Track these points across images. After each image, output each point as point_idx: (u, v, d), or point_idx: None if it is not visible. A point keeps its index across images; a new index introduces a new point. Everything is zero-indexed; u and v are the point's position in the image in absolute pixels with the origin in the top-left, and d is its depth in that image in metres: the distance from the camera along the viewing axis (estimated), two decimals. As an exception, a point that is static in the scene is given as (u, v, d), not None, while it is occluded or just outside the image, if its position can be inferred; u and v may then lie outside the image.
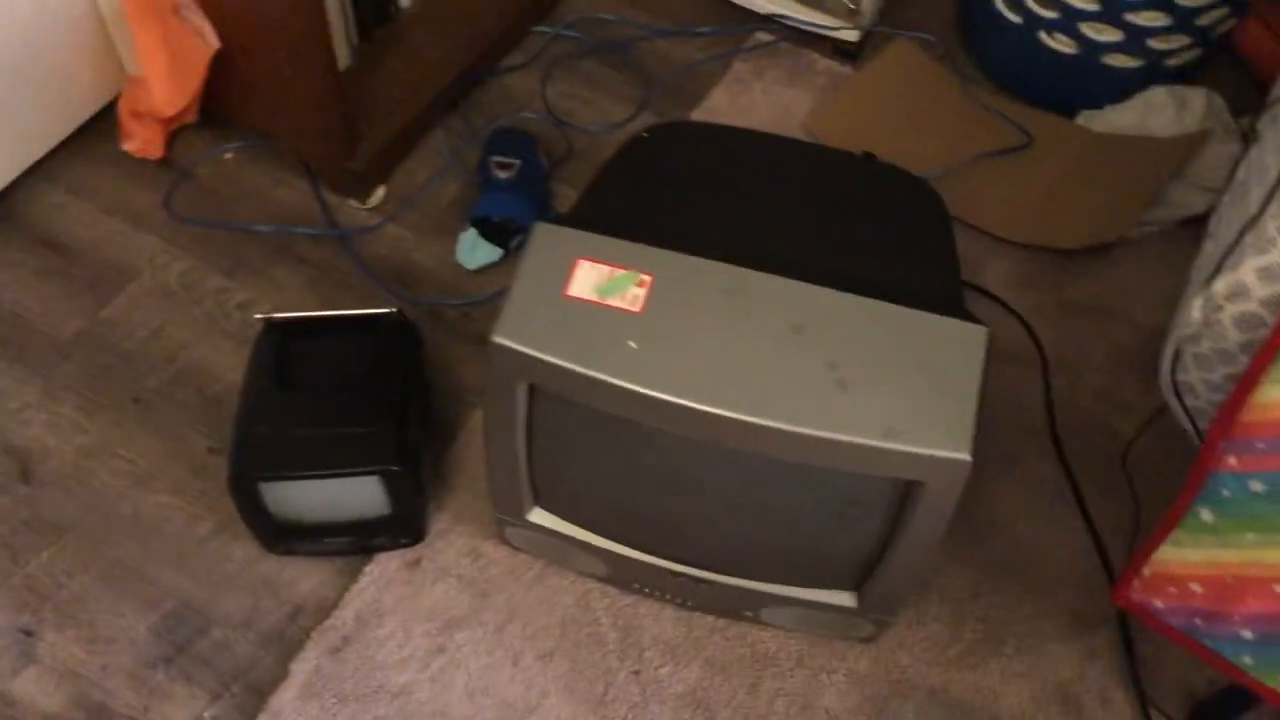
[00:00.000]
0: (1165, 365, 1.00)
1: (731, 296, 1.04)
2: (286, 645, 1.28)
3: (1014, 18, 1.73)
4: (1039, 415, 1.48)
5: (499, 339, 1.01)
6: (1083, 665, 1.30)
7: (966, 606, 1.34)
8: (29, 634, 1.27)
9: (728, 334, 1.02)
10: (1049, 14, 1.67)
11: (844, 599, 1.21)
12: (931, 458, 0.97)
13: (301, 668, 1.26)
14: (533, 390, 1.07)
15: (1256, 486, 0.85)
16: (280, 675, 1.26)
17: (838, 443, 0.97)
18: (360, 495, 1.24)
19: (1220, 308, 0.90)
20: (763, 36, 1.87)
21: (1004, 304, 1.57)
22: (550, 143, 1.68)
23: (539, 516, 1.24)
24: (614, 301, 1.03)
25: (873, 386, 0.99)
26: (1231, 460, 0.86)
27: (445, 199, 1.63)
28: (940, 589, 1.34)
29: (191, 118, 1.58)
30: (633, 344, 1.01)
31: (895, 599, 1.21)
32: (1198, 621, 0.99)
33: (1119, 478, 1.41)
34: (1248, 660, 0.98)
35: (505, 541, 1.32)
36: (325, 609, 1.30)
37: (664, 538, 1.21)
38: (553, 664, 1.28)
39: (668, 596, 1.29)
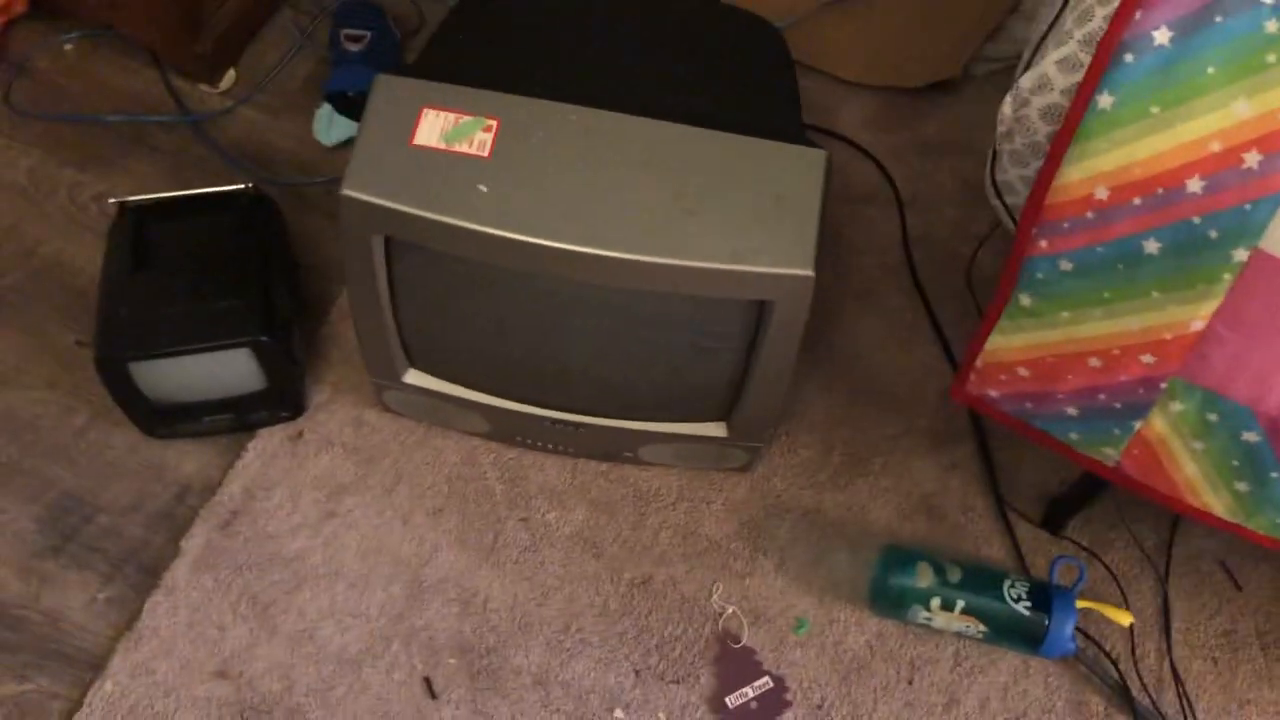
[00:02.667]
0: (987, 168, 1.05)
1: (578, 136, 1.06)
2: (176, 525, 1.30)
3: None
4: (897, 252, 1.54)
5: (347, 192, 1.02)
6: (945, 477, 1.39)
7: (834, 433, 1.41)
8: (-91, 537, 1.27)
9: (576, 172, 1.04)
10: None
11: (714, 429, 1.27)
12: (776, 275, 1.02)
13: (193, 544, 1.28)
14: (389, 244, 1.08)
15: (1065, 265, 0.91)
16: (172, 554, 1.28)
17: (687, 269, 1.01)
18: (233, 370, 1.25)
19: (1027, 101, 0.94)
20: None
21: (858, 146, 1.61)
22: (403, 15, 1.66)
23: (413, 377, 1.26)
24: (462, 147, 1.04)
25: (718, 213, 1.03)
26: (1042, 244, 0.92)
27: (298, 77, 1.61)
28: (809, 419, 1.41)
29: (21, 8, 1.52)
30: (482, 187, 1.03)
31: (763, 425, 1.27)
32: (1028, 405, 1.06)
33: (970, 300, 1.49)
34: (1074, 436, 1.06)
35: (386, 408, 1.35)
36: (211, 487, 1.32)
37: (538, 386, 1.24)
38: (442, 519, 1.32)
39: (550, 445, 1.34)
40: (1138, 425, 0.98)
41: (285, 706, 1.21)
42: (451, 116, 1.05)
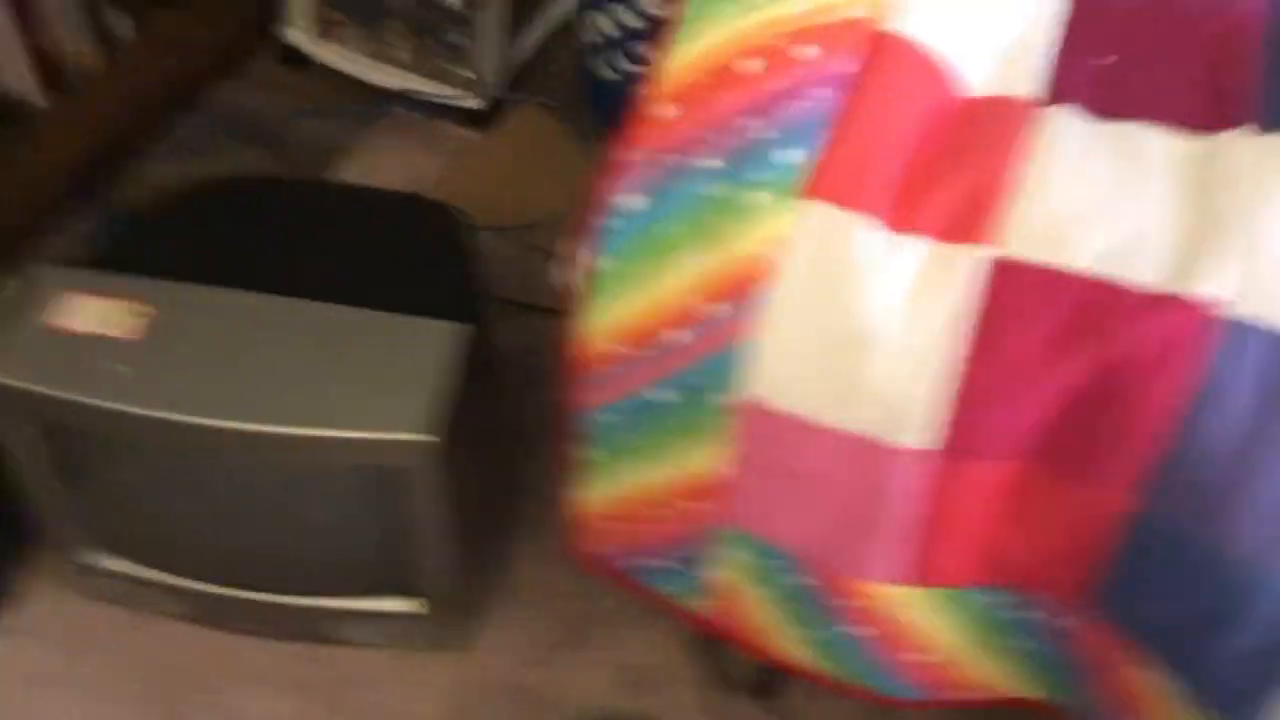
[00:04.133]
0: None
1: (230, 317, 1.11)
2: None
3: (613, 75, 1.89)
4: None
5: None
6: (664, 646, 1.38)
7: (551, 605, 1.40)
8: None
9: (220, 351, 1.09)
10: (638, 69, 1.83)
11: (407, 605, 1.27)
12: (397, 441, 1.05)
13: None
14: (42, 428, 1.12)
15: (606, 418, 0.95)
16: None
17: (306, 437, 1.05)
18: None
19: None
20: (399, 111, 1.99)
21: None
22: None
23: (92, 558, 1.27)
24: (110, 331, 1.09)
25: (346, 384, 1.07)
26: (583, 397, 0.95)
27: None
28: (526, 592, 1.41)
29: None
30: (121, 367, 1.07)
31: (458, 601, 1.27)
32: (631, 560, 1.07)
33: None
34: (668, 589, 1.06)
35: (86, 595, 1.35)
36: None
37: (217, 564, 1.25)
38: (149, 707, 1.30)
39: (251, 627, 1.33)
40: (707, 574, 1.00)
41: None
42: (100, 302, 1.10)
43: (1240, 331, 0.78)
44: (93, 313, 1.10)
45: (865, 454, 0.84)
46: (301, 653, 1.34)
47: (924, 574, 0.91)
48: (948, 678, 1.01)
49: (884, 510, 0.86)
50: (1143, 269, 0.80)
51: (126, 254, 1.22)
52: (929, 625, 0.95)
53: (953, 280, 0.81)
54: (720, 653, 1.37)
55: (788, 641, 1.03)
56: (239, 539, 1.21)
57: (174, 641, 1.34)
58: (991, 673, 1.00)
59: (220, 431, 1.05)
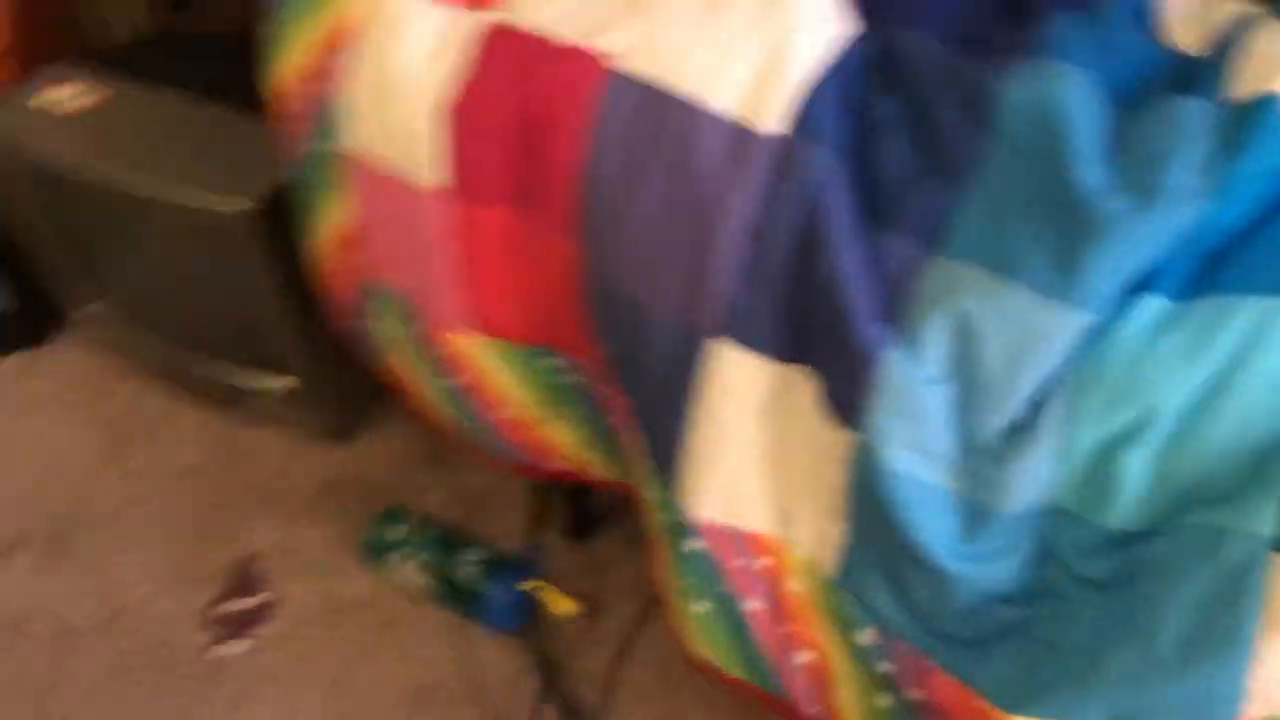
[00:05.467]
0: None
1: (148, 105, 1.42)
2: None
3: None
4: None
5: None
6: (504, 481, 1.53)
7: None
8: None
9: (127, 129, 1.39)
10: None
11: (279, 380, 1.51)
12: (223, 210, 1.29)
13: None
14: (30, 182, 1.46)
15: (299, 174, 1.11)
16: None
17: (166, 203, 1.32)
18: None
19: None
20: None
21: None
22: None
23: (87, 309, 1.61)
24: (66, 108, 1.42)
25: (199, 163, 1.34)
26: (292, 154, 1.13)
27: None
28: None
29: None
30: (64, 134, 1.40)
31: (321, 384, 1.50)
32: (350, 323, 1.22)
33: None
34: (365, 349, 1.23)
35: (89, 345, 1.70)
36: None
37: (161, 321, 1.56)
38: (95, 430, 1.63)
39: (188, 386, 1.63)
40: (376, 328, 1.15)
41: None
42: (69, 89, 1.44)
43: (620, 81, 0.85)
44: (65, 93, 1.44)
45: (406, 195, 0.96)
46: (220, 422, 1.63)
47: (483, 322, 1.02)
48: (534, 440, 1.10)
49: (434, 256, 0.98)
50: (569, 28, 0.88)
51: (126, 54, 1.56)
52: (503, 379, 1.06)
53: (459, 38, 0.92)
54: (543, 495, 1.51)
55: (427, 395, 1.16)
56: (166, 299, 1.51)
57: (131, 391, 1.67)
58: (566, 438, 1.08)
59: (110, 185, 1.34)
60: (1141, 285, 0.75)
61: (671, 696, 1.33)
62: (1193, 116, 0.75)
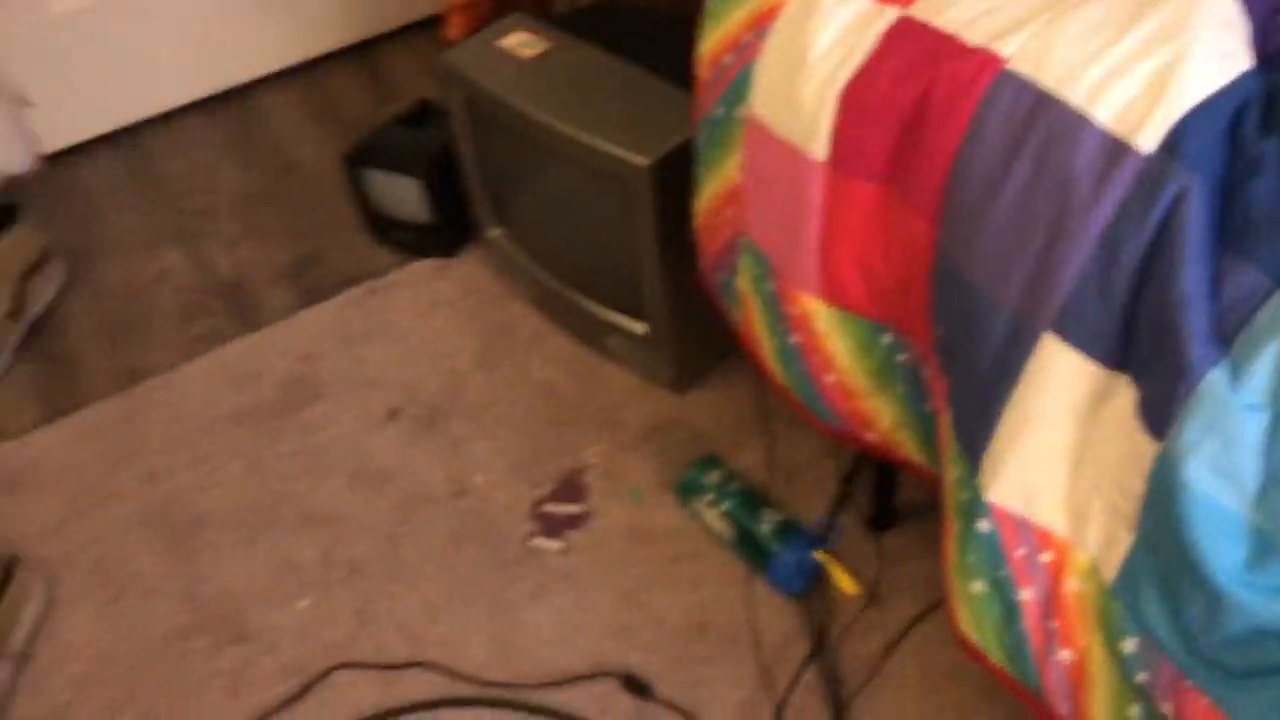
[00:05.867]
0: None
1: (585, 63, 1.62)
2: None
3: None
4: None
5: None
6: (823, 452, 1.61)
7: (755, 391, 1.70)
8: None
9: (565, 79, 1.59)
10: None
11: (634, 324, 1.67)
12: (625, 159, 1.46)
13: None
14: (471, 110, 1.70)
15: (699, 135, 1.23)
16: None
17: (585, 143, 1.50)
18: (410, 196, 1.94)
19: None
20: None
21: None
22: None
23: (490, 232, 1.85)
24: (520, 53, 1.64)
25: (622, 119, 1.51)
26: (695, 116, 1.24)
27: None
28: (743, 375, 1.73)
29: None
30: (512, 72, 1.62)
31: (669, 332, 1.64)
32: (715, 276, 1.33)
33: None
34: (727, 299, 1.32)
35: (487, 264, 1.94)
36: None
37: (544, 254, 1.76)
38: (477, 336, 1.87)
39: (559, 317, 1.83)
40: (738, 283, 1.25)
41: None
42: (524, 36, 1.66)
43: (1005, 80, 0.89)
44: (517, 40, 1.66)
45: (794, 160, 1.05)
46: (580, 350, 1.81)
47: (831, 290, 1.10)
48: (855, 409, 1.16)
49: (805, 221, 1.07)
50: (979, 31, 0.93)
51: (575, 19, 1.77)
52: (839, 345, 1.13)
53: (869, 26, 1.00)
54: (851, 481, 1.57)
55: (766, 352, 1.25)
56: (556, 235, 1.71)
57: (514, 311, 1.89)
58: (885, 412, 1.14)
59: (537, 123, 1.55)
60: None
61: (930, 697, 1.37)
62: None
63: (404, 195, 1.95)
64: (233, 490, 1.68)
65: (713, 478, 1.54)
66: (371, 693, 1.44)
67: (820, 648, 1.41)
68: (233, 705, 1.44)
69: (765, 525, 1.48)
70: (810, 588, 1.47)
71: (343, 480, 1.68)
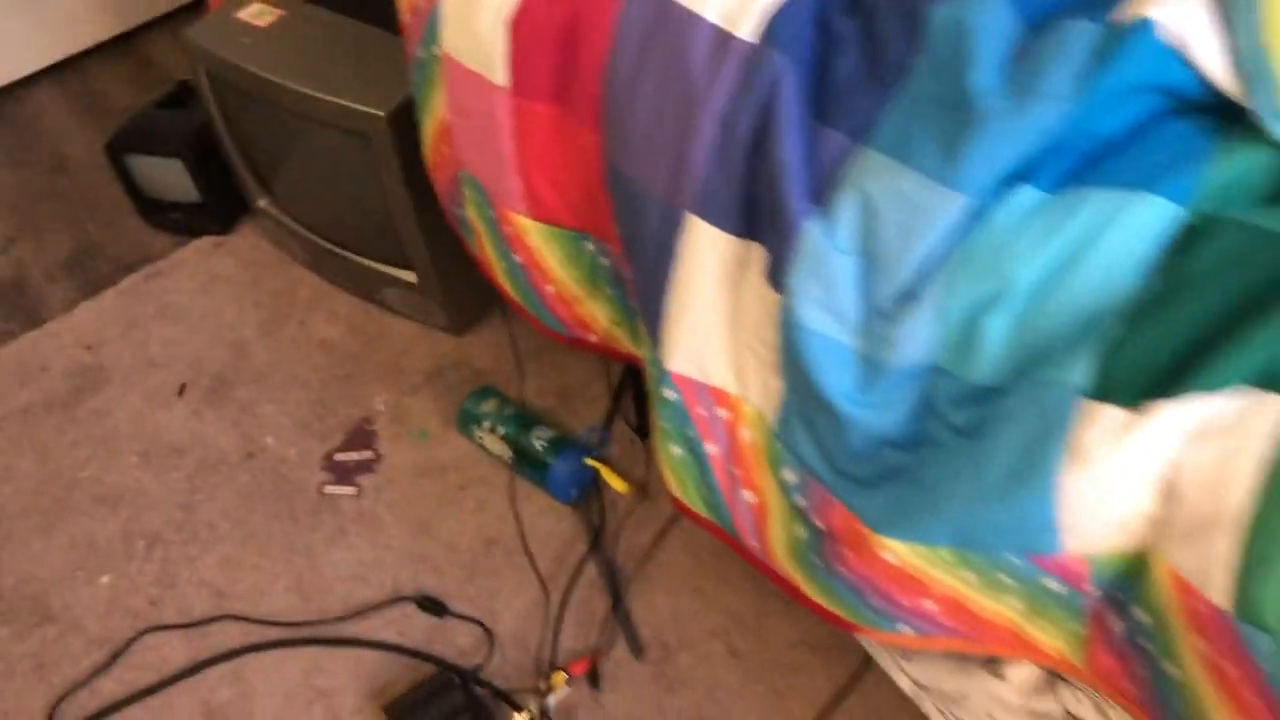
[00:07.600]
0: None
1: (316, 24, 1.67)
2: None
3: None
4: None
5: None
6: (593, 373, 1.72)
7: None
8: None
9: (296, 41, 1.65)
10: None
11: (402, 273, 1.74)
12: (362, 111, 1.52)
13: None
14: (216, 83, 1.74)
15: (413, 77, 1.32)
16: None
17: (320, 99, 1.56)
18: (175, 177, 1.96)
19: None
20: None
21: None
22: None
23: (259, 202, 1.89)
24: (255, 22, 1.68)
25: (354, 73, 1.57)
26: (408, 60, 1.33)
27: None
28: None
29: None
30: (248, 41, 1.66)
31: (436, 278, 1.72)
32: (452, 211, 1.42)
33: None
34: (464, 233, 1.42)
35: (262, 234, 1.99)
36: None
37: (312, 218, 1.82)
38: (258, 305, 1.91)
39: (334, 277, 1.89)
40: (466, 214, 1.34)
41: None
42: (259, 7, 1.70)
43: None
44: (254, 11, 1.71)
45: (483, 89, 1.14)
46: (359, 306, 1.88)
47: (531, 207, 1.20)
48: (576, 315, 1.27)
49: (501, 145, 1.16)
50: None
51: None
52: (547, 257, 1.23)
53: None
54: (619, 395, 1.69)
55: (497, 271, 1.35)
56: (316, 198, 1.77)
57: (293, 276, 1.94)
58: (600, 314, 1.25)
59: (277, 87, 1.60)
60: (1021, 179, 0.86)
61: (695, 575, 1.49)
62: (1079, 35, 0.84)
63: (170, 177, 1.97)
64: (25, 483, 1.70)
65: (488, 406, 1.64)
66: (180, 651, 1.50)
67: (596, 544, 1.53)
68: (41, 682, 1.48)
69: (540, 442, 1.58)
70: (589, 495, 1.58)
71: (135, 459, 1.72)
